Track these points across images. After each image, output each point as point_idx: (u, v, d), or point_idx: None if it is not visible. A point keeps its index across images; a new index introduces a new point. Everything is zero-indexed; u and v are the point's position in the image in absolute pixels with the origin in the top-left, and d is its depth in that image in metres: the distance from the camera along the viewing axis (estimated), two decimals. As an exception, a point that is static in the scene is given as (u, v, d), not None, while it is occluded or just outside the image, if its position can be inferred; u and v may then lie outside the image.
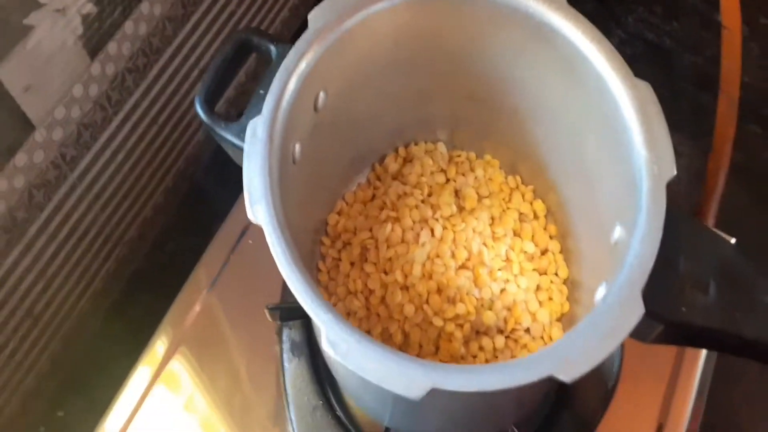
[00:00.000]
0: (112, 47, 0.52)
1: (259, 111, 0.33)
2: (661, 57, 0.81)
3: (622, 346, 0.44)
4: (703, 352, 0.44)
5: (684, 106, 0.76)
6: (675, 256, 0.31)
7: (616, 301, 0.28)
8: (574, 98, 0.36)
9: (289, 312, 0.43)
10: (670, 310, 0.30)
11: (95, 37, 0.50)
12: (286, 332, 0.44)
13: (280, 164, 0.32)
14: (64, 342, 0.59)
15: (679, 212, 0.32)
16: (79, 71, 0.50)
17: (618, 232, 0.33)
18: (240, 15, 0.66)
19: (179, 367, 0.48)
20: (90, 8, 0.49)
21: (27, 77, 0.46)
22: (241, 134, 0.34)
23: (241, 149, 0.34)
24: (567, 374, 0.26)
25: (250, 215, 0.30)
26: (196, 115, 0.66)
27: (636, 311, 0.28)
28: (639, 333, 0.32)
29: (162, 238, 0.67)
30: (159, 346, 0.50)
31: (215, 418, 0.45)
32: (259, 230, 0.53)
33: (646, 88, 0.33)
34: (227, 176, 0.72)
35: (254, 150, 0.31)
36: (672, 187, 0.35)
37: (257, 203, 0.30)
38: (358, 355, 0.27)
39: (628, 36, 0.82)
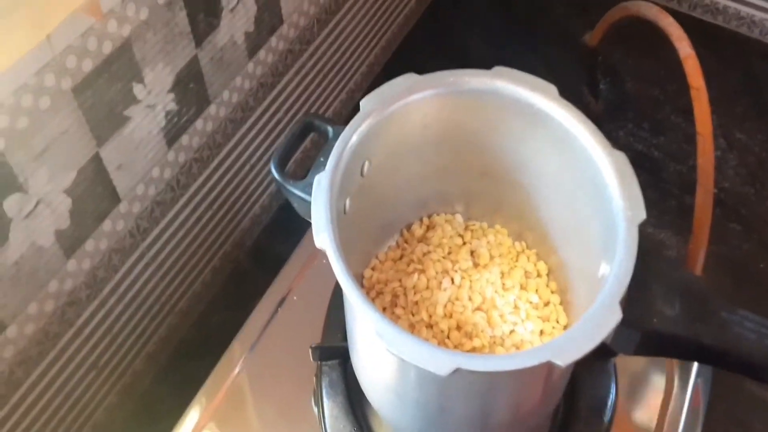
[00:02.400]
0: (185, 139, 0.63)
1: (319, 172, 0.42)
2: (650, 165, 0.92)
3: (617, 388, 0.50)
4: (690, 388, 0.51)
5: (671, 207, 0.86)
6: (648, 281, 0.39)
7: (600, 309, 0.36)
8: (566, 168, 0.45)
9: (329, 351, 0.51)
10: (644, 320, 0.37)
11: (173, 130, 0.61)
12: (325, 371, 0.51)
13: (336, 210, 0.41)
14: (120, 396, 0.66)
15: (652, 253, 0.40)
16: (158, 157, 0.61)
17: (603, 268, 0.41)
18: (289, 118, 0.77)
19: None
20: (172, 106, 0.60)
21: (120, 158, 0.56)
22: (305, 189, 0.43)
23: (304, 201, 0.44)
24: (562, 360, 0.34)
25: (316, 242, 0.38)
26: (245, 203, 0.77)
27: (615, 316, 0.36)
28: (623, 347, 0.39)
29: (208, 311, 0.74)
30: (192, 415, 0.56)
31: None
32: (303, 289, 0.61)
33: (621, 156, 0.42)
34: (266, 261, 0.81)
35: (319, 195, 0.40)
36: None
37: (322, 232, 0.38)
38: (399, 342, 0.34)
39: (620, 147, 0.94)
